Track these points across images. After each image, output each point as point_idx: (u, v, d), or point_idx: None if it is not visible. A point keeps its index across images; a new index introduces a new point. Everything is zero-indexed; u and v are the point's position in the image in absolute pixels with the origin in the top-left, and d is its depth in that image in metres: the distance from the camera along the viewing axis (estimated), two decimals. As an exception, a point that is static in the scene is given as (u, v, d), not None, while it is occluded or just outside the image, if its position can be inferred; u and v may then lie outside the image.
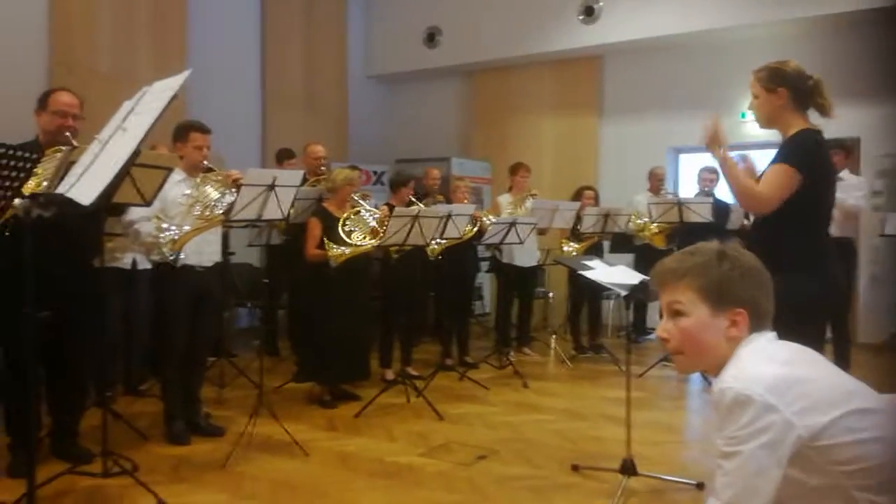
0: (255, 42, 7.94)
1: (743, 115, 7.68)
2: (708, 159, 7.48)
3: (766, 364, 1.43)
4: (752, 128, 7.48)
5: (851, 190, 5.48)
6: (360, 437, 4.26)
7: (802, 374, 1.43)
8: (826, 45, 7.05)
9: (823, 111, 2.68)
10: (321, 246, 4.72)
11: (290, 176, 4.18)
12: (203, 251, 4.04)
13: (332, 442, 4.14)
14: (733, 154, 2.78)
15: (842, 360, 5.21)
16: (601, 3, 7.98)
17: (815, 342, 2.69)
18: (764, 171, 2.73)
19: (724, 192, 6.86)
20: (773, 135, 2.80)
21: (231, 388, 5.21)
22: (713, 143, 2.74)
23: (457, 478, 3.57)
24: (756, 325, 1.54)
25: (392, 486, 3.48)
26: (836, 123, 2.73)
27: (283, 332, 6.65)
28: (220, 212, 3.86)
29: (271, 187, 3.91)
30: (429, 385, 5.18)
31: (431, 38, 9.05)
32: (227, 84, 7.38)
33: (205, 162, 3.99)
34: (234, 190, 3.88)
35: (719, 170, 2.84)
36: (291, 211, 4.29)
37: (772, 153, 2.75)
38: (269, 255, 5.88)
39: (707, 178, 6.75)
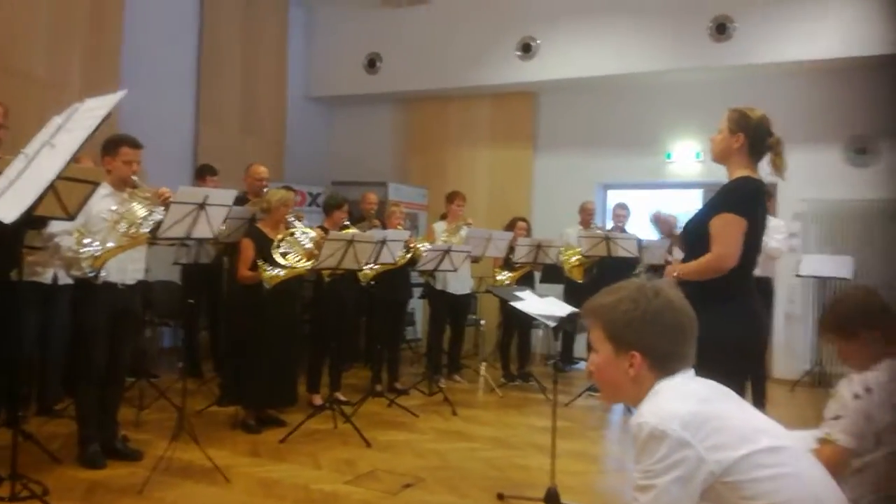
0: (191, 57, 7.80)
1: (668, 156, 8.01)
2: (622, 196, 7.82)
3: (682, 401, 1.49)
4: (676, 168, 7.83)
5: (772, 232, 5.75)
6: (284, 463, 4.17)
7: (716, 411, 1.50)
8: (750, 93, 7.42)
9: (776, 169, 2.82)
10: (254, 267, 4.65)
11: (222, 195, 4.12)
12: (127, 269, 3.93)
13: (255, 468, 4.05)
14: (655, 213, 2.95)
15: (758, 395, 5.43)
16: (538, 42, 8.21)
17: (741, 378, 2.82)
18: (701, 216, 2.83)
19: (635, 228, 7.14)
20: (694, 175, 2.95)
21: (150, 410, 5.03)
22: (666, 230, 2.99)
23: (382, 506, 3.54)
24: (660, 367, 1.58)
25: (316, 514, 3.42)
26: (759, 168, 2.89)
27: (206, 353, 6.48)
28: (147, 230, 3.77)
29: (202, 206, 3.85)
30: (357, 411, 5.14)
31: (372, 63, 9.11)
32: (161, 98, 7.21)
33: (134, 177, 3.89)
34: (162, 207, 3.80)
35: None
36: (222, 229, 4.22)
37: (692, 193, 2.88)
38: (189, 275, 5.73)
39: (619, 214, 7.04)
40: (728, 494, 1.43)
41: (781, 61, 7.14)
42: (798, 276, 7.13)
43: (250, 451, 4.37)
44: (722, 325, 2.50)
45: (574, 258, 6.60)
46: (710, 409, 1.50)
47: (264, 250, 4.72)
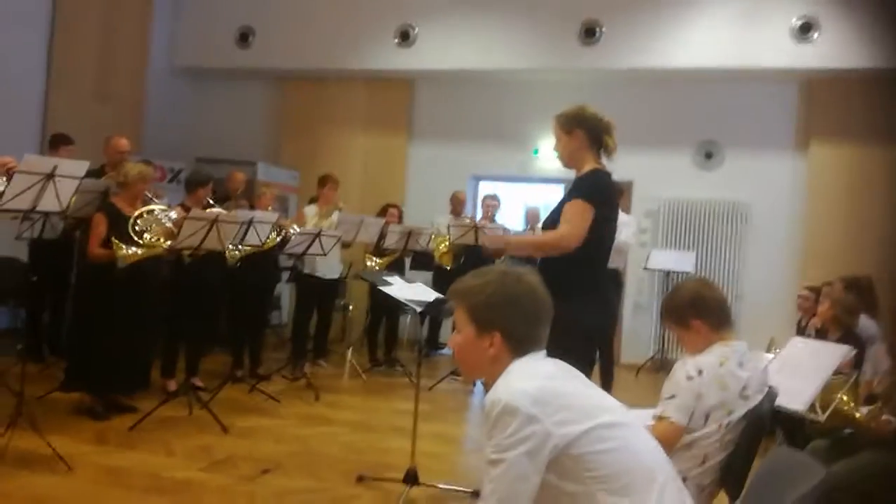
0: (43, 17, 7.17)
1: (535, 152, 8.31)
2: (493, 188, 8.09)
3: (532, 379, 1.58)
4: (543, 163, 8.13)
5: (623, 227, 6.09)
6: (134, 451, 3.97)
7: (563, 389, 1.60)
8: (614, 96, 7.83)
9: (608, 150, 2.99)
10: (107, 245, 4.37)
11: (73, 165, 3.84)
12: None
13: (101, 456, 3.83)
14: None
15: (606, 377, 5.77)
16: (416, 30, 8.24)
17: (591, 360, 3.00)
18: (557, 208, 2.97)
19: (506, 218, 7.41)
20: (559, 172, 3.09)
21: (-17, 396, 4.62)
22: (497, 246, 3.04)
23: (238, 493, 3.47)
24: (516, 348, 1.67)
25: (167, 502, 3.30)
26: (613, 166, 3.07)
27: (49, 335, 6.03)
28: (-14, 200, 3.45)
29: (50, 176, 3.57)
30: (215, 397, 4.96)
31: (244, 37, 8.77)
32: (5, 55, 6.60)
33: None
34: (4, 178, 3.49)
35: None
36: (73, 201, 3.93)
37: (557, 188, 3.03)
38: (38, 251, 5.31)
39: (490, 205, 7.25)
40: (571, 466, 1.53)
41: (645, 67, 7.59)
42: (646, 268, 7.65)
43: (96, 439, 4.13)
44: (579, 313, 2.65)
45: (443, 245, 6.72)
46: (558, 386, 1.59)
47: (119, 227, 4.45)
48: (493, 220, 7.09)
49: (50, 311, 5.98)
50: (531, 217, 7.30)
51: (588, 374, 2.76)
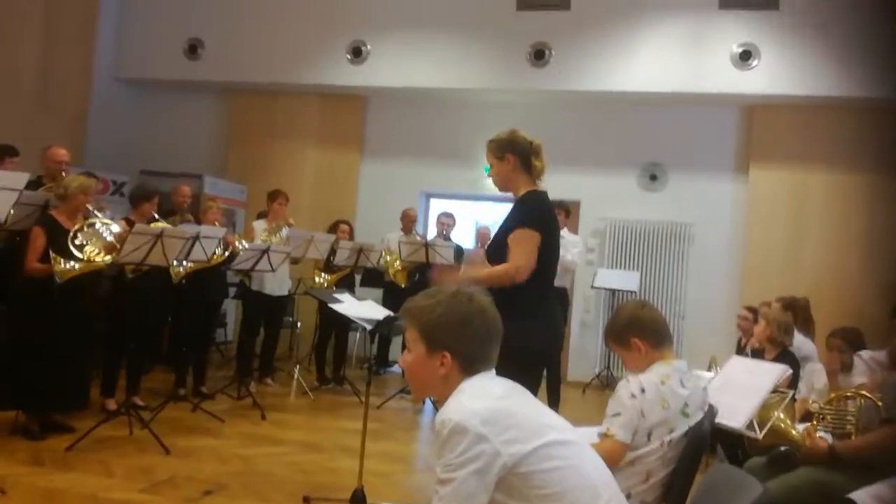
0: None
1: (486, 170, 8.37)
2: (454, 206, 8.11)
3: (482, 399, 1.59)
4: (492, 182, 8.21)
5: (569, 246, 6.23)
6: (71, 472, 3.84)
7: (512, 408, 1.62)
8: (562, 117, 8.01)
9: (536, 172, 3.05)
10: (45, 259, 4.23)
11: (12, 178, 3.73)
12: None
13: (36, 477, 3.69)
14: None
15: (553, 395, 5.84)
16: (369, 47, 8.27)
17: (538, 379, 3.03)
18: (500, 235, 3.00)
19: (459, 237, 7.47)
20: (492, 188, 3.15)
21: None
22: (451, 277, 3.06)
23: (180, 514, 3.38)
24: (467, 368, 1.68)
25: (104, 525, 3.19)
26: (561, 186, 3.14)
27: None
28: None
29: (-13, 188, 3.46)
30: (157, 416, 4.82)
31: (193, 49, 8.65)
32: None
33: None
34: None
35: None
36: (11, 213, 3.80)
37: (505, 206, 3.07)
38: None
39: (445, 223, 7.29)
40: (519, 484, 1.54)
41: (592, 90, 7.76)
42: (593, 287, 7.78)
43: (32, 460, 3.97)
44: (527, 333, 2.69)
45: (398, 262, 6.73)
46: (507, 406, 1.61)
47: (58, 241, 4.32)
48: (447, 238, 7.12)
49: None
50: (481, 236, 7.36)
51: (535, 393, 2.80)
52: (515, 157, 3.01)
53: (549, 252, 3.00)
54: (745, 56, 7.37)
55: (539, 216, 2.95)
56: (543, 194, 3.04)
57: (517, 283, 2.85)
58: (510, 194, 3.11)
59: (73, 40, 7.91)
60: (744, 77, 7.40)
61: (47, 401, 4.43)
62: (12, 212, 3.86)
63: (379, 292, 7.22)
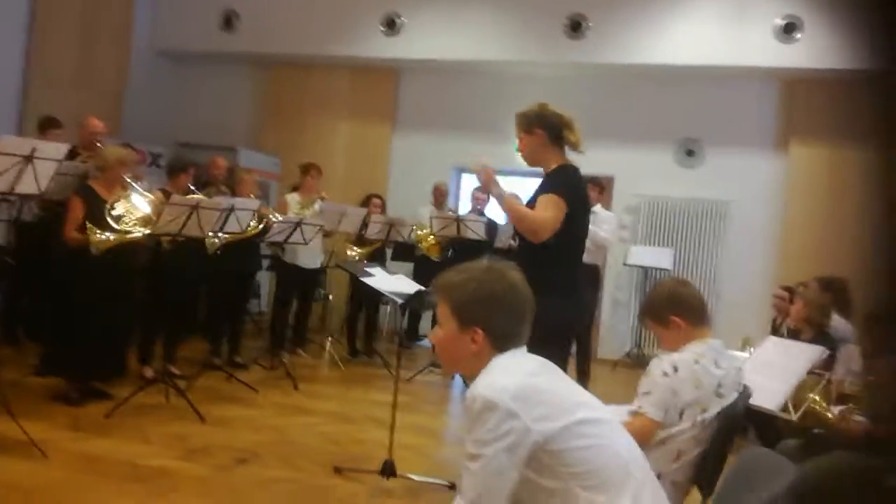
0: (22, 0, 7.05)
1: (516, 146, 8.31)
2: (476, 180, 8.04)
3: (513, 375, 1.59)
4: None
5: (602, 223, 6.15)
6: (109, 438, 3.94)
7: (543, 385, 1.61)
8: (598, 91, 7.88)
9: (572, 145, 3.00)
10: (83, 229, 4.32)
11: (53, 148, 3.79)
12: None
13: (76, 443, 3.80)
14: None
15: (582, 373, 5.82)
16: (403, 19, 8.20)
17: (562, 357, 3.02)
18: (529, 202, 2.99)
19: (494, 212, 7.42)
20: (524, 165, 3.10)
21: (-44, 379, 4.56)
22: (489, 184, 2.96)
23: (214, 482, 3.46)
24: (498, 344, 1.68)
25: (143, 490, 3.28)
26: (595, 162, 3.09)
27: (27, 319, 5.95)
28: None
29: (29, 158, 3.52)
30: (192, 385, 4.94)
31: (228, 21, 8.66)
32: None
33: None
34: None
35: (497, 203, 3.03)
36: (50, 186, 3.87)
37: (537, 182, 3.03)
38: (19, 234, 5.24)
39: (479, 198, 7.24)
40: (549, 462, 1.54)
41: (629, 63, 7.61)
42: (625, 264, 7.70)
43: (71, 425, 4.09)
44: (550, 309, 2.67)
45: (431, 237, 6.75)
46: (538, 382, 1.61)
47: (96, 212, 4.39)
48: (480, 213, 7.09)
49: (29, 295, 5.89)
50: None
51: (562, 368, 2.79)
52: (545, 131, 2.96)
53: (576, 227, 2.96)
54: (789, 28, 7.15)
55: (567, 189, 2.89)
56: (575, 169, 2.99)
57: (534, 237, 2.83)
58: (539, 172, 3.07)
59: (112, 14, 7.97)
60: (786, 50, 7.18)
61: (87, 368, 4.55)
62: (52, 182, 3.92)
63: (410, 266, 7.24)
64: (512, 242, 6.92)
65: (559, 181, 2.92)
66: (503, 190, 2.97)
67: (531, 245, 2.91)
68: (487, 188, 2.99)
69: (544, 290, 2.22)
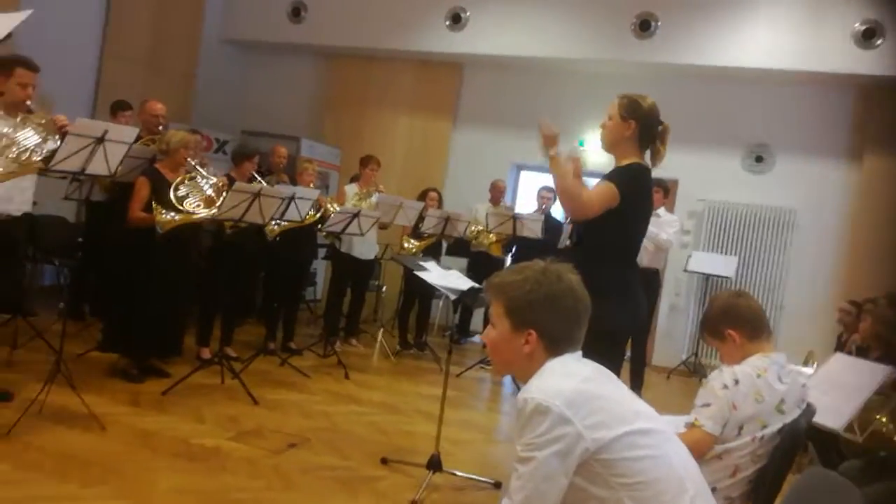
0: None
1: (581, 143, 8.20)
2: (547, 179, 7.96)
3: (567, 379, 1.55)
4: (588, 156, 8.02)
5: (665, 226, 6.03)
6: (165, 415, 4.06)
7: (597, 392, 1.57)
8: (664, 91, 7.66)
9: (655, 156, 2.90)
10: (148, 209, 4.44)
11: (124, 131, 3.90)
12: (13, 198, 3.69)
13: (133, 418, 3.92)
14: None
15: (636, 379, 5.71)
16: (468, 14, 8.17)
17: (616, 362, 2.94)
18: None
19: (559, 212, 7.33)
20: (603, 165, 3.01)
21: (25, 350, 4.76)
22: (548, 142, 2.87)
23: (263, 464, 3.51)
24: (552, 348, 1.64)
25: (194, 468, 3.36)
26: (660, 164, 2.99)
27: (91, 295, 6.17)
28: (39, 158, 3.53)
29: (101, 140, 3.63)
30: (247, 368, 5.04)
31: (296, 12, 8.80)
32: (65, 26, 6.71)
33: (28, 102, 3.62)
34: (57, 137, 3.56)
35: (548, 163, 2.90)
36: (119, 168, 4.00)
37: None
38: (88, 212, 5.44)
39: (545, 197, 7.15)
40: (601, 471, 1.50)
41: (700, 64, 7.41)
42: (685, 270, 7.52)
43: (130, 401, 4.22)
44: (607, 314, 2.61)
45: (492, 234, 6.75)
46: (592, 389, 1.56)
47: (161, 192, 4.52)
48: (547, 213, 7.03)
49: (97, 272, 6.11)
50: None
51: (616, 374, 2.73)
52: (639, 125, 2.86)
53: (633, 229, 2.88)
54: (868, 34, 6.84)
55: (628, 187, 2.79)
56: (646, 170, 2.89)
57: (574, 211, 2.78)
58: (607, 168, 2.98)
59: (183, 4, 8.19)
60: (865, 56, 6.87)
61: (147, 346, 4.68)
62: (121, 164, 4.05)
63: (464, 262, 7.22)
64: (568, 242, 6.85)
65: (624, 178, 2.82)
66: (556, 154, 2.84)
67: (584, 245, 2.85)
68: (548, 143, 2.88)
69: (596, 291, 2.16)
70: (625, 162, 2.87)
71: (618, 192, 2.75)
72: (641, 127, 2.85)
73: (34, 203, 3.99)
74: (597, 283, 2.52)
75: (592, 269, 2.69)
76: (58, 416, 3.69)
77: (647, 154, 2.93)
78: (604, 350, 2.16)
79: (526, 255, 1.78)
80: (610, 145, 2.92)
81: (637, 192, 2.82)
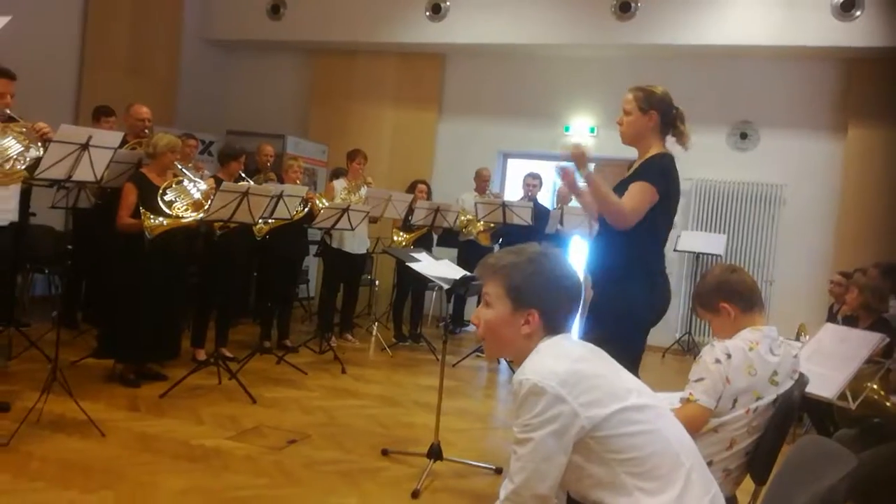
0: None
1: (567, 129, 8.22)
2: (533, 166, 7.98)
3: (561, 360, 1.57)
4: (574, 141, 8.04)
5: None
6: (164, 418, 4.06)
7: (591, 370, 1.59)
8: (647, 72, 7.68)
9: (682, 138, 2.92)
10: (136, 214, 4.43)
11: (108, 136, 3.88)
12: (-4, 209, 3.66)
13: (133, 423, 3.92)
14: (561, 165, 2.98)
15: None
16: (448, 3, 8.15)
17: (638, 347, 2.96)
18: (622, 184, 2.92)
19: (544, 198, 7.36)
20: (597, 150, 3.01)
21: (20, 360, 4.75)
22: (581, 162, 2.88)
23: (265, 462, 3.53)
24: (551, 327, 1.66)
25: (196, 469, 3.37)
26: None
27: (83, 303, 6.15)
28: (22, 167, 3.51)
29: (85, 146, 3.62)
30: (243, 367, 5.04)
31: (276, 9, 8.75)
32: (42, 29, 6.67)
33: (7, 111, 3.60)
34: (40, 144, 3.55)
35: (582, 183, 2.92)
36: (105, 174, 3.98)
37: (591, 168, 2.96)
38: (75, 220, 5.41)
39: (531, 184, 7.17)
40: (597, 448, 1.52)
41: (681, 44, 7.43)
42: (675, 250, 7.56)
43: (128, 406, 4.22)
44: (636, 301, 2.64)
45: (480, 223, 6.75)
46: (586, 367, 1.58)
47: (148, 197, 4.50)
48: (534, 199, 7.04)
49: (86, 279, 6.08)
50: (561, 197, 7.25)
51: (638, 360, 2.76)
52: (659, 115, 2.87)
53: (666, 218, 2.90)
54: (847, 6, 6.87)
55: (665, 179, 2.81)
56: (672, 158, 2.90)
57: (618, 224, 2.76)
58: (595, 153, 2.99)
59: (162, 6, 8.13)
60: (845, 29, 6.91)
61: (142, 350, 4.68)
62: (106, 170, 4.03)
63: (454, 251, 7.24)
64: (559, 226, 6.87)
65: (657, 171, 2.83)
66: (591, 173, 2.87)
67: (614, 232, 2.84)
68: (581, 166, 2.90)
69: (625, 279, 2.14)
70: (650, 153, 2.88)
71: (655, 189, 2.78)
72: (662, 115, 2.87)
73: (33, 214, 3.96)
74: (628, 268, 2.51)
75: (636, 257, 2.70)
76: (56, 424, 3.69)
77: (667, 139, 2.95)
78: (626, 336, 2.14)
79: (515, 243, 1.78)
80: (633, 139, 2.93)
81: (668, 182, 2.84)
